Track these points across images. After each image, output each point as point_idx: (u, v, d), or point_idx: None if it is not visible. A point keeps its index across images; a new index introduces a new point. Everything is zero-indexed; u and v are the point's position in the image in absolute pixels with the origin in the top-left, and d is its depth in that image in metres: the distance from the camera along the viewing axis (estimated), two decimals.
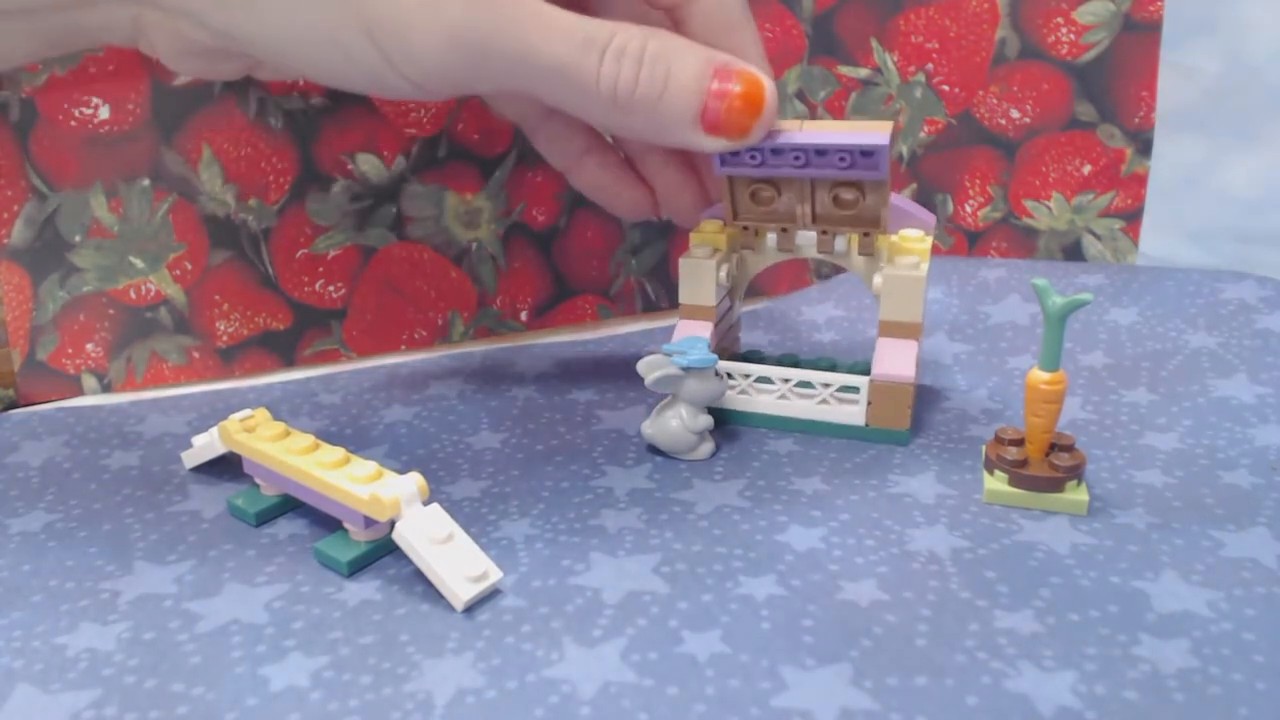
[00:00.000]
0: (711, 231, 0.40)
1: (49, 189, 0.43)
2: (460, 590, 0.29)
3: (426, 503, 0.30)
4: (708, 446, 0.37)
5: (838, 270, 0.54)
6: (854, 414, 0.38)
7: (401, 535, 0.29)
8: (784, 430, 0.39)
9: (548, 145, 0.43)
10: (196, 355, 0.47)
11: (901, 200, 0.39)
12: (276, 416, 0.35)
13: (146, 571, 0.31)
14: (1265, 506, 0.33)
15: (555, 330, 0.52)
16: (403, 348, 0.50)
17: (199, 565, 0.31)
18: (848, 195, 0.38)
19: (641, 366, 0.36)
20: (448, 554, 0.29)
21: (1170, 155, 0.51)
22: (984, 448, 0.35)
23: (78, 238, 0.44)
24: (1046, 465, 0.33)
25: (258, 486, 0.34)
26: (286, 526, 0.34)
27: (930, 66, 0.53)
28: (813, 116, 0.53)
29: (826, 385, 0.38)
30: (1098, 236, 0.53)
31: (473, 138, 0.48)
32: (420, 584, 0.30)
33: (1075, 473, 0.33)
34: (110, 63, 0.42)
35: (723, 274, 0.40)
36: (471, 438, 0.40)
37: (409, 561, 0.30)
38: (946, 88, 0.53)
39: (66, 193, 0.43)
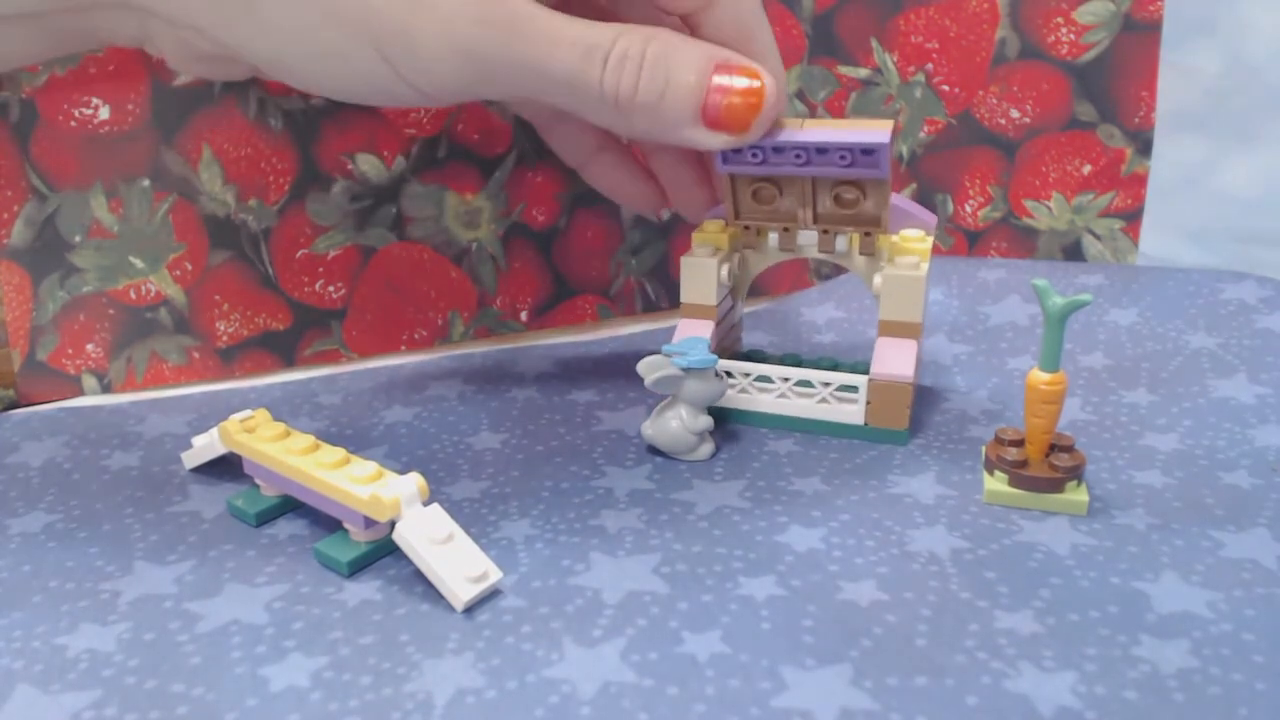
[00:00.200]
0: (713, 231, 0.40)
1: (49, 189, 0.43)
2: (460, 590, 0.29)
3: (427, 503, 0.30)
4: (708, 447, 0.37)
5: (838, 271, 0.54)
6: (853, 413, 0.38)
7: (401, 536, 0.29)
8: (784, 430, 0.39)
9: (560, 144, 0.44)
10: (196, 355, 0.47)
11: (902, 200, 0.39)
12: (276, 417, 0.35)
13: (146, 572, 0.31)
14: (1265, 507, 0.33)
15: (555, 330, 0.52)
16: (403, 348, 0.50)
17: (199, 565, 0.31)
18: (849, 195, 0.38)
19: (642, 367, 0.36)
20: (448, 554, 0.29)
21: (1170, 155, 0.51)
22: (984, 448, 0.35)
23: (78, 238, 0.44)
24: (1046, 466, 0.33)
25: (258, 487, 0.34)
26: (286, 527, 0.34)
27: (930, 66, 0.53)
28: (812, 116, 0.53)
29: (826, 384, 0.38)
30: (1098, 236, 0.53)
31: (473, 138, 0.48)
32: (420, 584, 0.30)
33: (1075, 473, 0.33)
34: (110, 63, 0.42)
35: (724, 273, 0.40)
36: (471, 438, 0.40)
37: (409, 562, 0.30)
38: (946, 88, 0.53)
39: (66, 193, 0.43)
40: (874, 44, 0.53)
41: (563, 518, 0.33)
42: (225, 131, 0.45)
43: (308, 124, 0.46)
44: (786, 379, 0.39)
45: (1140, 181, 0.52)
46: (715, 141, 0.34)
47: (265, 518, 0.34)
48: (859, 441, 0.38)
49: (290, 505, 0.34)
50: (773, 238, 0.40)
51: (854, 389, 0.38)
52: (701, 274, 0.39)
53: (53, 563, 0.32)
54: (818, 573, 0.30)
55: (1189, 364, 0.43)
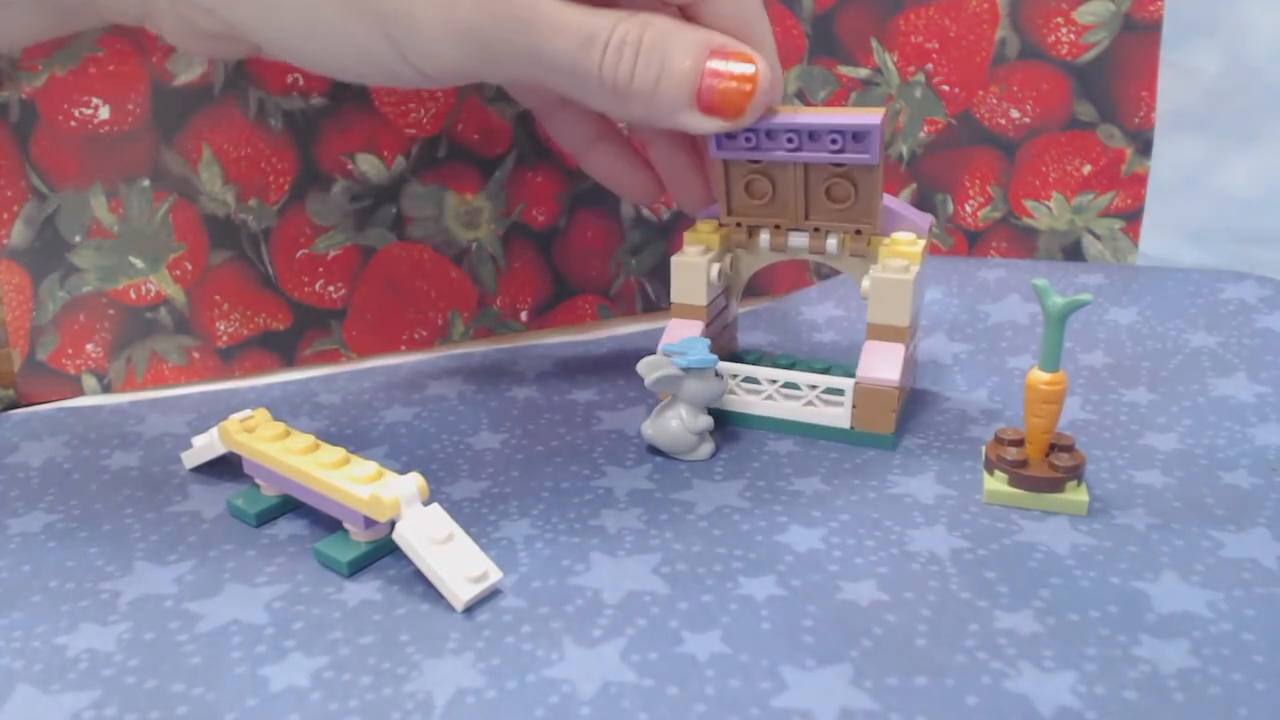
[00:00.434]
0: (706, 231, 0.40)
1: (49, 189, 0.43)
2: (460, 590, 0.29)
3: (426, 503, 0.30)
4: (708, 447, 0.37)
5: (838, 270, 0.54)
6: (839, 416, 0.38)
7: (401, 535, 0.29)
8: (776, 431, 0.39)
9: (559, 132, 0.44)
10: (196, 355, 0.47)
11: (896, 203, 0.39)
12: (276, 417, 0.35)
13: (146, 572, 0.31)
14: (1265, 507, 0.33)
15: (555, 330, 0.52)
16: (403, 348, 0.50)
17: (199, 565, 0.31)
18: (840, 189, 0.38)
19: (641, 367, 0.36)
20: (448, 554, 0.29)
21: (1170, 155, 0.51)
22: (984, 448, 0.35)
23: (78, 238, 0.44)
24: (1046, 465, 0.33)
25: (258, 487, 0.34)
26: (286, 527, 0.34)
27: (930, 66, 0.53)
28: None
29: (813, 387, 0.38)
30: (1098, 236, 0.53)
31: (473, 138, 0.48)
32: (420, 584, 0.30)
33: (1075, 473, 0.33)
34: (110, 63, 0.42)
35: (714, 273, 0.40)
36: (471, 438, 0.40)
37: (409, 562, 0.30)
38: (946, 88, 0.53)
39: (66, 193, 0.43)
40: (874, 44, 0.53)
41: (563, 518, 0.33)
42: (225, 131, 0.45)
43: (308, 124, 0.46)
44: (774, 381, 0.39)
45: (1140, 181, 0.52)
46: (710, 126, 0.34)
47: (265, 518, 0.34)
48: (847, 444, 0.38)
49: (290, 505, 0.34)
50: (764, 237, 0.40)
51: (840, 392, 0.38)
52: (691, 274, 0.40)
53: (53, 563, 0.32)
54: (818, 573, 0.30)
55: (1189, 363, 0.43)
